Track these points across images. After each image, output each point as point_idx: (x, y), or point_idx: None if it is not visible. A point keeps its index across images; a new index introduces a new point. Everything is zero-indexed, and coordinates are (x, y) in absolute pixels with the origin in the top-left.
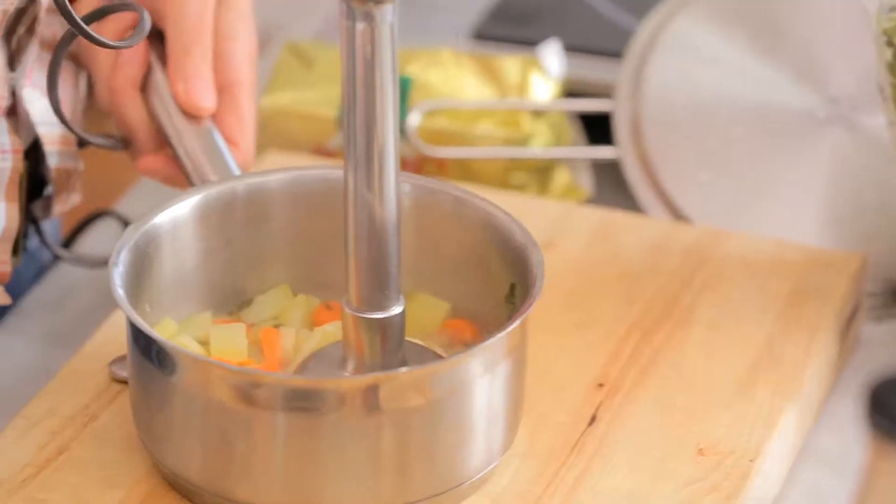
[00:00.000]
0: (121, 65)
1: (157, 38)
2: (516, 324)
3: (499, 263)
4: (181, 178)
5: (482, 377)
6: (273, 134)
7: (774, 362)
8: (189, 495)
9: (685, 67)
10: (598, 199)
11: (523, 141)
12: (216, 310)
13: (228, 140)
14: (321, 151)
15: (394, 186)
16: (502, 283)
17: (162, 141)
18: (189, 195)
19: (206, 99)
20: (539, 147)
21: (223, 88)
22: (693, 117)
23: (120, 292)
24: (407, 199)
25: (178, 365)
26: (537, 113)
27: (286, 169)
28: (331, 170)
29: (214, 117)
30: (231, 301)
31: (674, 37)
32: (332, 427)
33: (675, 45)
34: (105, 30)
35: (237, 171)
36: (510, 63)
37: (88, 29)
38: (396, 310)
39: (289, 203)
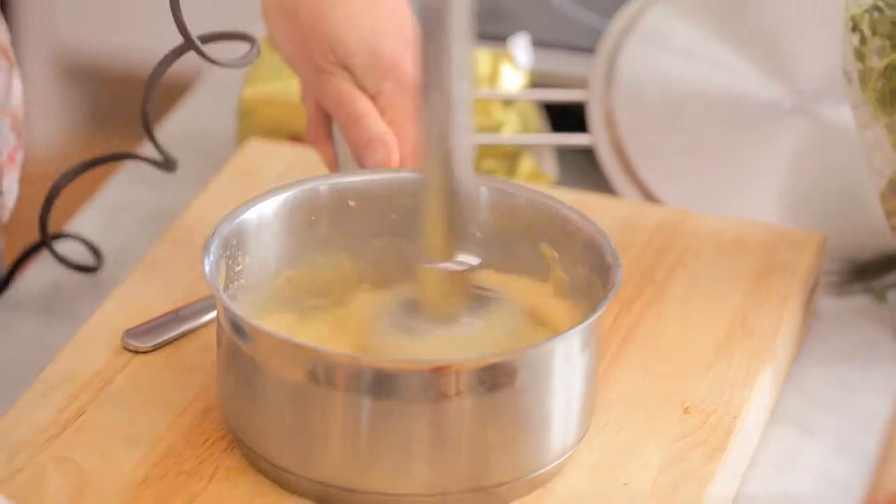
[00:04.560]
0: (309, 121)
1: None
2: (599, 312)
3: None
4: None
5: (564, 365)
6: (255, 124)
7: (748, 330)
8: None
9: (657, 59)
10: (564, 184)
11: (494, 129)
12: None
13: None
14: (300, 140)
15: (467, 149)
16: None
17: None
18: (274, 193)
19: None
20: (509, 134)
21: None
22: (665, 107)
23: (210, 273)
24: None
25: (261, 343)
26: (506, 102)
27: (367, 172)
28: (407, 173)
29: None
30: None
31: (646, 29)
32: (410, 411)
33: (648, 38)
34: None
35: None
36: (481, 55)
37: (199, 44)
38: (466, 261)
39: (368, 202)
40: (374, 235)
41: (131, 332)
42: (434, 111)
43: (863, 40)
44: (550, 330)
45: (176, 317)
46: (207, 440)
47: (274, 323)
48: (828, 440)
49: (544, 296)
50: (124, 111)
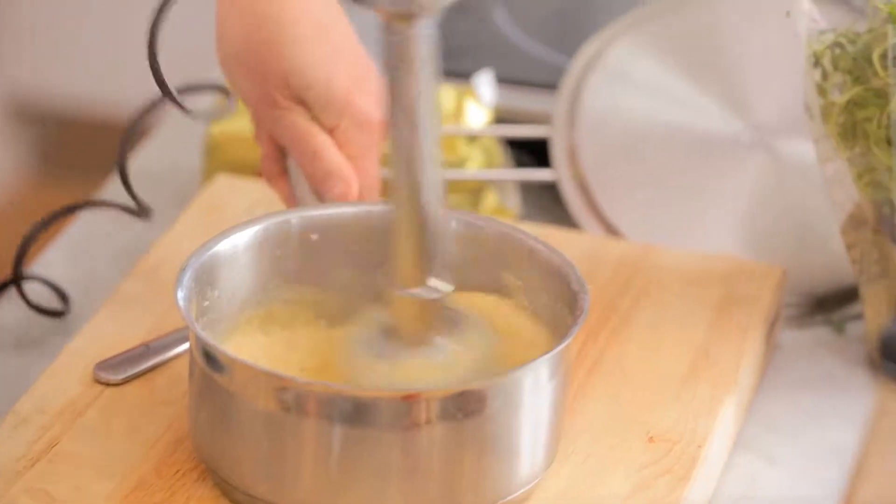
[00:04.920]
0: (264, 157)
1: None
2: (569, 340)
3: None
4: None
5: (533, 392)
6: (222, 160)
7: (711, 360)
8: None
9: (619, 95)
10: (527, 219)
11: (459, 164)
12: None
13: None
14: None
15: (435, 178)
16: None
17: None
18: (244, 227)
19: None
20: (474, 169)
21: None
22: (627, 142)
23: (184, 305)
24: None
25: (236, 374)
26: (471, 138)
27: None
28: (374, 206)
29: None
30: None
31: (609, 66)
32: (382, 438)
33: (610, 74)
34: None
35: None
36: (445, 91)
37: (176, 95)
38: (438, 286)
39: (332, 236)
40: (337, 268)
41: (102, 365)
42: (402, 141)
43: (824, 76)
44: (522, 346)
45: (146, 350)
46: (178, 471)
47: (240, 345)
48: (790, 468)
49: (511, 315)
50: (78, 155)
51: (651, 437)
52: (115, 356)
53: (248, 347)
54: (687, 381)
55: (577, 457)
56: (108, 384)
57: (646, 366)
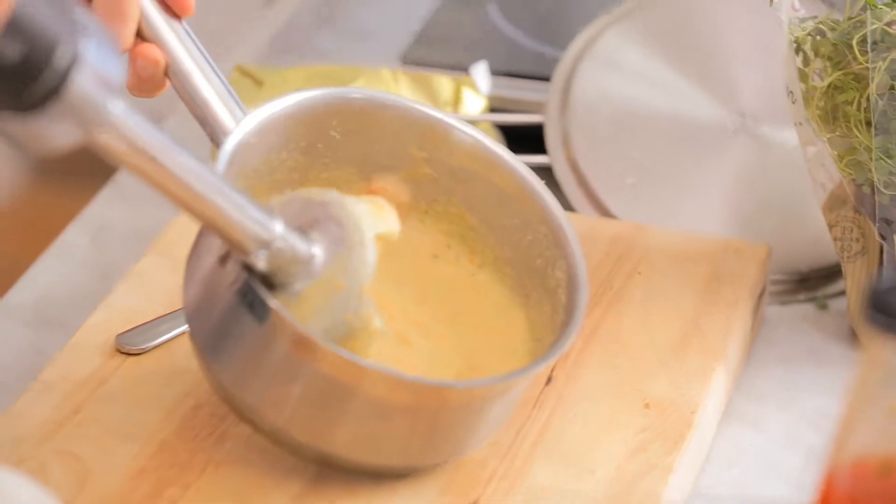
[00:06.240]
0: None
1: None
2: (547, 363)
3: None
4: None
5: (507, 394)
6: None
7: (701, 332)
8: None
9: (609, 84)
10: None
11: None
12: None
13: None
14: None
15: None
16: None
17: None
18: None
19: None
20: None
21: None
22: (617, 128)
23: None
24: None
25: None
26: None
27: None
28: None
29: None
30: None
31: (599, 55)
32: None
33: (601, 63)
34: None
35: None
36: (443, 81)
37: None
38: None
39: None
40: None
41: (123, 336)
42: None
43: (806, 62)
44: None
45: (164, 322)
46: (198, 435)
47: None
48: (776, 436)
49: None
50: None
51: (647, 404)
52: (134, 327)
53: None
54: (679, 352)
55: (576, 423)
56: (128, 354)
57: (639, 337)
